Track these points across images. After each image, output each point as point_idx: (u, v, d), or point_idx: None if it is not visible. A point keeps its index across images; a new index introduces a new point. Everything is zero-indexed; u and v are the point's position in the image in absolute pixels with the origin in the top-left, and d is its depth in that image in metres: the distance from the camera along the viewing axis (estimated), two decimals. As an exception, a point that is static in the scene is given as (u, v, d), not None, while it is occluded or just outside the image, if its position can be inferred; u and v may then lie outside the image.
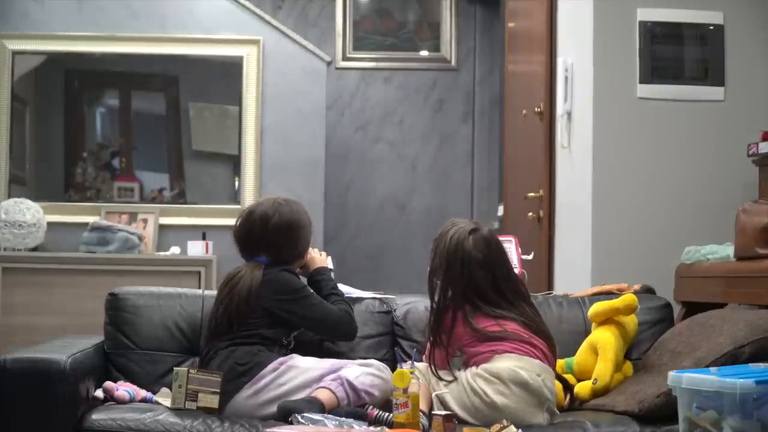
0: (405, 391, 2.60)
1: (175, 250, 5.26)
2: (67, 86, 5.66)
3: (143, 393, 2.96)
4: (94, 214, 5.39)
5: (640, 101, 3.92)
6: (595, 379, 2.94)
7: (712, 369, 2.52)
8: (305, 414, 2.54)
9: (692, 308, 3.44)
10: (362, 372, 2.77)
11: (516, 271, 3.47)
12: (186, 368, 2.79)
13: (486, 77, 6.65)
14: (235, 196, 5.57)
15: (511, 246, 3.50)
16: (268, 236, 3.01)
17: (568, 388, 2.92)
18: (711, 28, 3.93)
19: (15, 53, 5.46)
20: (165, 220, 5.44)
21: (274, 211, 3.04)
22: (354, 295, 3.27)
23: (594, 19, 3.93)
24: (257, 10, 5.62)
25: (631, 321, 3.12)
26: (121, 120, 5.76)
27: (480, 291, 2.85)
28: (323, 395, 2.68)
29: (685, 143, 3.92)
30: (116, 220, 5.33)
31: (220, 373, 2.76)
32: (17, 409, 2.65)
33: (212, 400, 2.74)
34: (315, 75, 5.62)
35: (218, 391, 2.74)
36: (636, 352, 3.16)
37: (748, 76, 3.94)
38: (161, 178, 5.72)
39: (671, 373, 2.52)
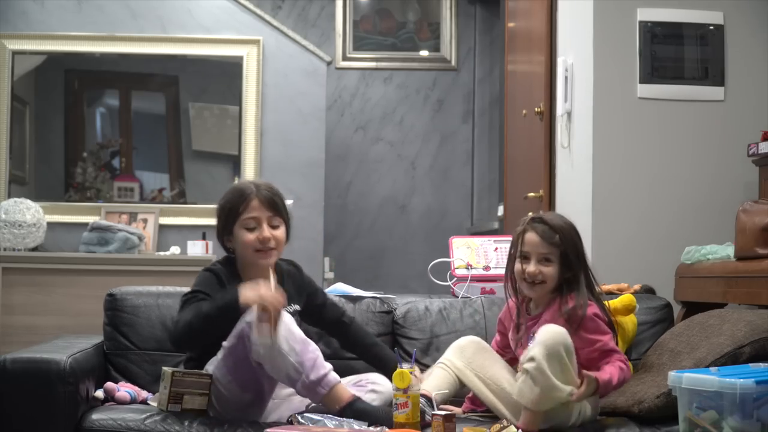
0: (405, 391, 2.60)
1: (175, 250, 5.26)
2: (67, 86, 5.66)
3: (144, 394, 2.96)
4: (94, 214, 5.39)
5: (640, 101, 3.92)
6: (595, 380, 2.94)
7: (712, 369, 2.52)
8: (305, 414, 2.54)
9: (692, 308, 3.44)
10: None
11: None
12: (171, 369, 2.73)
13: (486, 77, 6.65)
14: (235, 196, 5.56)
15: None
16: None
17: None
18: (711, 28, 3.93)
19: (15, 53, 5.46)
20: (165, 220, 5.45)
21: None
22: (354, 295, 3.27)
23: (594, 19, 3.93)
24: (257, 10, 5.62)
25: (629, 321, 3.12)
26: (121, 120, 5.76)
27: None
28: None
29: (685, 143, 3.92)
30: (116, 220, 5.33)
31: (210, 375, 2.70)
32: (17, 409, 2.65)
33: (200, 402, 2.68)
34: (315, 75, 5.62)
35: (207, 392, 2.68)
36: (636, 352, 3.16)
37: (748, 76, 3.94)
38: (161, 178, 5.72)
39: (671, 373, 2.52)
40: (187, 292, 2.78)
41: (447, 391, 2.78)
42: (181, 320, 2.68)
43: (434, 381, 2.78)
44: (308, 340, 2.65)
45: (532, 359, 2.56)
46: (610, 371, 2.67)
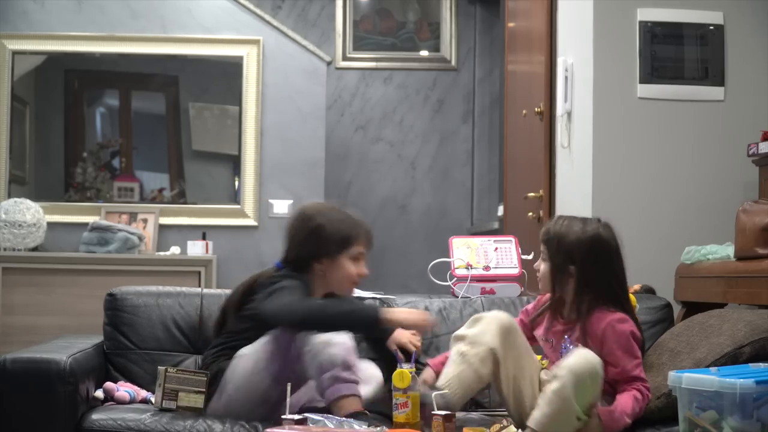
0: (405, 391, 2.59)
1: (175, 250, 5.26)
2: (67, 86, 5.66)
3: (144, 393, 2.97)
4: (94, 214, 5.39)
5: (640, 101, 3.92)
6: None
7: (712, 369, 2.52)
8: (306, 414, 2.54)
9: (692, 308, 3.44)
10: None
11: (516, 271, 3.48)
12: (165, 367, 2.76)
13: (486, 77, 6.65)
14: (235, 196, 5.57)
15: (511, 246, 3.51)
16: (287, 231, 2.94)
17: None
18: (711, 28, 3.92)
19: (15, 53, 5.46)
20: (165, 220, 5.45)
21: (302, 206, 3.02)
22: (354, 295, 3.27)
23: (594, 19, 3.92)
24: (257, 10, 5.62)
25: (630, 321, 3.12)
26: (121, 120, 5.77)
27: (621, 282, 2.84)
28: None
29: (685, 143, 3.92)
30: (116, 220, 5.33)
31: (206, 373, 2.74)
32: (17, 409, 2.65)
33: (196, 400, 2.71)
34: (315, 75, 5.62)
35: (203, 390, 2.72)
36: (636, 352, 3.15)
37: (748, 76, 3.93)
38: (161, 178, 5.72)
39: (671, 373, 2.52)
40: (285, 286, 2.70)
41: (447, 391, 2.76)
42: (310, 305, 2.66)
43: (456, 382, 2.66)
44: (355, 354, 2.68)
45: (556, 378, 2.53)
46: (623, 406, 2.61)
